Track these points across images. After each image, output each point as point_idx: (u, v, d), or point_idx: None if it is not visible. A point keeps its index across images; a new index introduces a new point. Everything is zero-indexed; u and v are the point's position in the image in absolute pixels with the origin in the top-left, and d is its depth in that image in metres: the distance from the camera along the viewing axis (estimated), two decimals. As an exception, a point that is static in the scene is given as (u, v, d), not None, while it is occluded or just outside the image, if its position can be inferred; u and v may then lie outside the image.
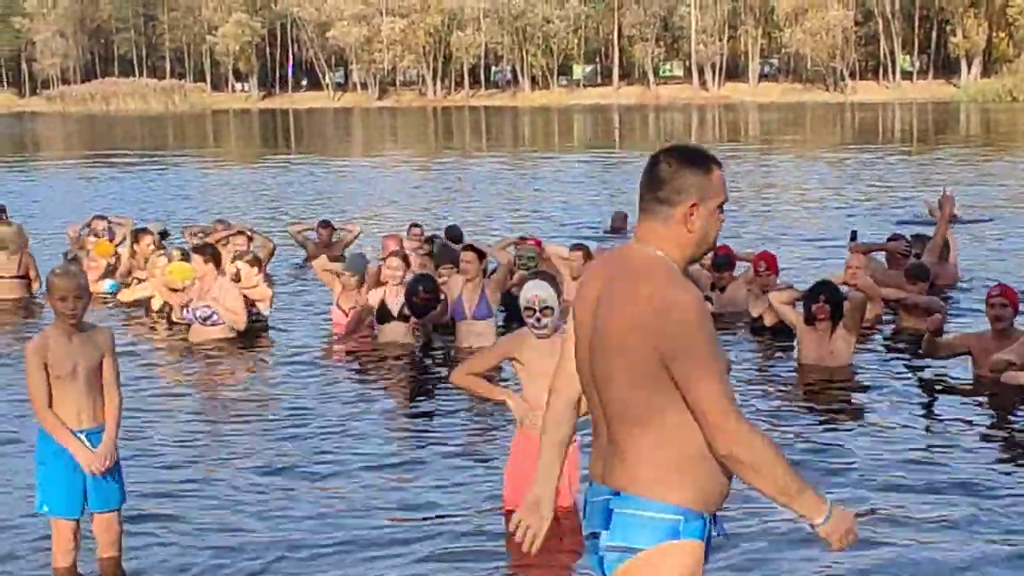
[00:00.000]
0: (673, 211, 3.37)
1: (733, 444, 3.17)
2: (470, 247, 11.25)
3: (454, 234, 14.59)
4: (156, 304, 12.81)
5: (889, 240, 13.78)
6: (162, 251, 13.56)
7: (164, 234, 16.08)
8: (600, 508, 3.37)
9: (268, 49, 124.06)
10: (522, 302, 6.34)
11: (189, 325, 11.88)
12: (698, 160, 3.41)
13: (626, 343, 3.26)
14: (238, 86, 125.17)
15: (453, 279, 11.12)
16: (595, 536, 3.41)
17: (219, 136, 66.33)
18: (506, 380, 8.53)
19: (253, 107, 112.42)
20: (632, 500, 3.30)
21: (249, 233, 14.19)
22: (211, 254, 11.55)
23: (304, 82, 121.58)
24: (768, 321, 11.29)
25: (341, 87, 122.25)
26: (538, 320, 6.34)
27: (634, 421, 3.28)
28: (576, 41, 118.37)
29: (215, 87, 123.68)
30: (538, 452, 5.97)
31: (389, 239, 12.72)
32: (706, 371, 3.20)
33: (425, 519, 6.80)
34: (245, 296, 11.65)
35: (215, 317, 11.34)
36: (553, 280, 6.68)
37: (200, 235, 16.20)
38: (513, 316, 11.62)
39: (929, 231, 14.15)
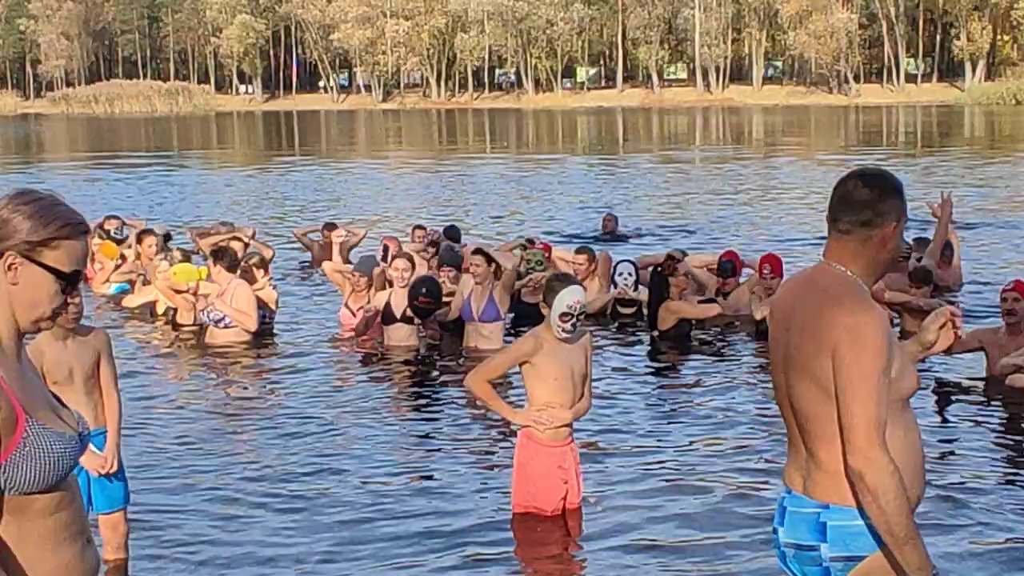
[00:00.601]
0: (873, 233, 3.48)
1: (866, 467, 3.27)
2: (479, 250, 11.26)
3: (452, 234, 14.59)
4: (161, 308, 12.81)
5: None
6: (164, 254, 13.55)
7: (167, 237, 16.09)
8: (810, 521, 3.48)
9: (272, 51, 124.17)
10: (562, 307, 6.33)
11: (197, 327, 11.97)
12: (896, 184, 3.54)
13: (818, 363, 3.38)
14: (242, 88, 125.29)
15: (463, 280, 11.16)
16: (804, 548, 3.51)
17: (223, 138, 66.36)
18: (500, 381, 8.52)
19: (257, 109, 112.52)
20: (845, 512, 3.41)
21: (246, 239, 14.19)
22: (229, 259, 11.57)
23: (323, 84, 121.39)
24: (772, 324, 11.28)
25: (345, 89, 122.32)
26: (573, 325, 6.40)
27: (831, 436, 3.39)
28: (580, 44, 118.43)
29: (219, 89, 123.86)
30: (544, 455, 6.02)
31: (388, 241, 12.70)
32: (864, 390, 3.28)
33: (433, 521, 6.80)
34: (259, 298, 11.67)
35: (227, 319, 11.36)
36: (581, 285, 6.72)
37: (203, 237, 16.28)
38: (521, 319, 11.63)
39: (930, 234, 14.13)
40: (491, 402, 6.62)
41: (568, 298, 6.34)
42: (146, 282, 13.57)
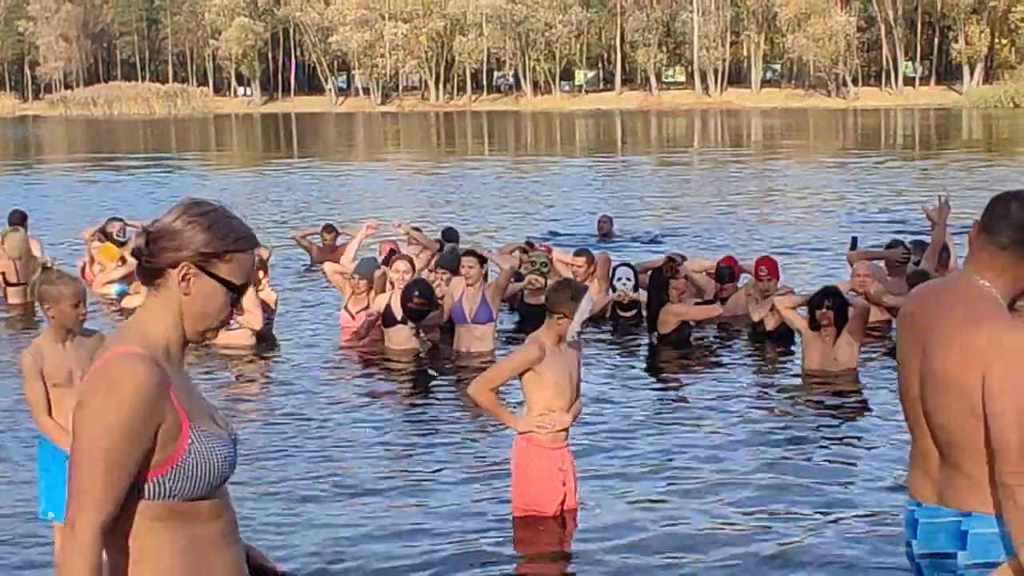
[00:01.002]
0: None
1: (1019, 483, 3.32)
2: (471, 252, 11.29)
3: (451, 236, 14.61)
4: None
5: (888, 247, 13.77)
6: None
7: None
8: (949, 530, 3.53)
9: (271, 54, 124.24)
10: (585, 315, 6.42)
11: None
12: None
13: (964, 379, 3.42)
14: (240, 90, 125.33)
15: (455, 283, 11.17)
16: (940, 556, 3.57)
17: (221, 140, 66.41)
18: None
19: (255, 111, 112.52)
20: (986, 520, 3.46)
21: None
22: None
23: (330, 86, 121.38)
24: (769, 325, 11.32)
25: (344, 92, 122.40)
26: (582, 330, 6.51)
27: (974, 447, 3.43)
28: (579, 46, 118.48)
29: (217, 91, 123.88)
30: (544, 458, 6.06)
31: (385, 246, 12.70)
32: (1017, 407, 3.32)
33: (433, 524, 6.82)
34: (263, 300, 11.69)
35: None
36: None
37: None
38: (528, 321, 11.64)
39: (928, 238, 14.14)
40: (495, 411, 6.66)
41: (587, 305, 6.44)
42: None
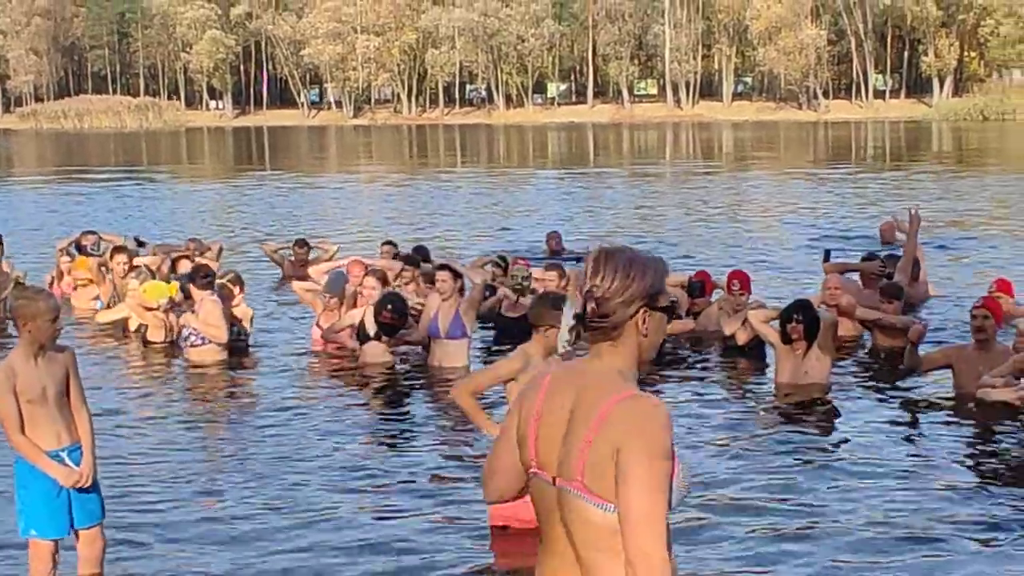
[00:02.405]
0: None
1: None
2: (445, 266, 11.27)
3: (421, 255, 14.45)
4: (133, 324, 12.77)
5: (864, 260, 13.83)
6: (135, 272, 13.50)
7: (140, 243, 16.06)
8: None
9: (242, 67, 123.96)
10: (570, 323, 6.33)
11: (167, 344, 12.04)
12: None
13: None
14: (212, 104, 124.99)
15: (430, 298, 11.15)
16: None
17: (193, 153, 66.19)
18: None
19: (227, 125, 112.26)
20: None
21: (196, 256, 14.13)
22: (201, 276, 11.54)
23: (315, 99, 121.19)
24: (741, 339, 11.33)
25: (316, 105, 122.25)
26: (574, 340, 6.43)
27: None
28: (551, 59, 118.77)
29: (189, 105, 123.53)
30: None
31: (354, 265, 12.58)
32: None
33: (409, 535, 6.83)
34: (232, 314, 11.64)
35: (193, 338, 11.32)
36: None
37: (173, 254, 16.21)
38: (506, 335, 11.61)
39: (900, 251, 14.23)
40: (474, 416, 6.66)
41: (571, 312, 6.37)
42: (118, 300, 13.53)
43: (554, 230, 18.72)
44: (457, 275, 11.00)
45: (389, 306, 10.75)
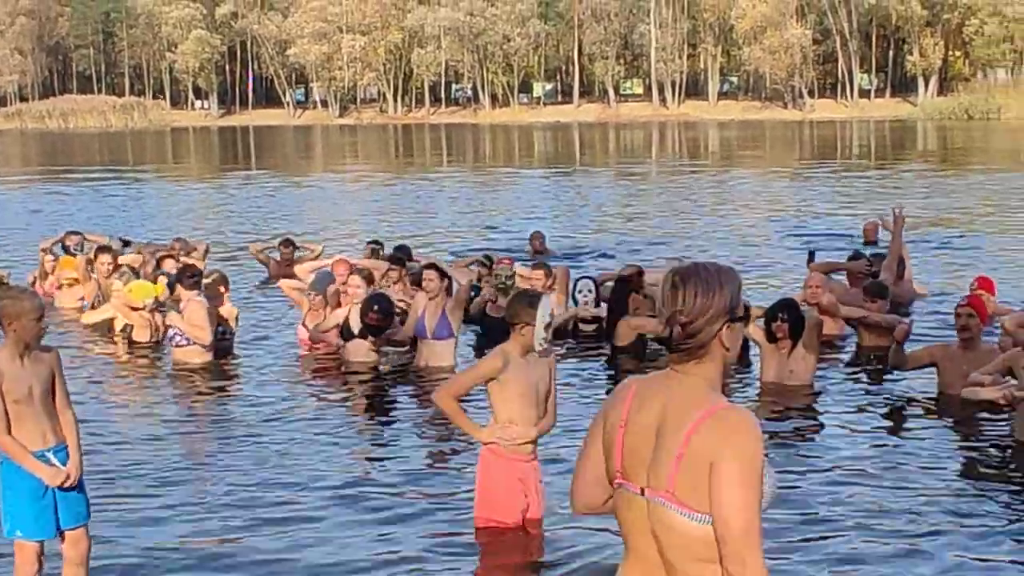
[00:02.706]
0: None
1: None
2: (432, 265, 11.28)
3: (403, 254, 14.42)
4: (119, 324, 12.75)
5: (850, 259, 13.87)
6: (119, 273, 13.48)
7: (126, 243, 16.04)
8: None
9: (228, 66, 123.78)
10: (545, 318, 6.37)
11: (153, 344, 12.09)
12: None
13: None
14: (198, 103, 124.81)
15: (417, 298, 11.16)
16: None
17: (179, 153, 66.10)
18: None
19: (213, 124, 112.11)
20: None
21: (181, 256, 14.13)
22: (192, 277, 11.55)
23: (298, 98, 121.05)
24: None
25: (301, 105, 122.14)
26: (550, 336, 6.46)
27: None
28: (536, 59, 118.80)
29: (174, 104, 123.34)
30: (506, 469, 6.03)
31: (339, 264, 12.56)
32: None
33: (395, 536, 6.83)
34: (218, 314, 11.64)
35: (178, 338, 11.32)
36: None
37: (155, 254, 16.18)
38: (489, 334, 11.62)
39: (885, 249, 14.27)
40: (457, 419, 6.62)
41: (547, 310, 6.40)
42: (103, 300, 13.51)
43: (537, 230, 18.70)
44: (444, 275, 11.00)
45: (376, 307, 10.76)
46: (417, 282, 11.70)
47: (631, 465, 3.06)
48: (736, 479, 2.89)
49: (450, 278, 11.23)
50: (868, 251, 15.01)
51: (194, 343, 11.27)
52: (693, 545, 2.95)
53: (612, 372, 11.12)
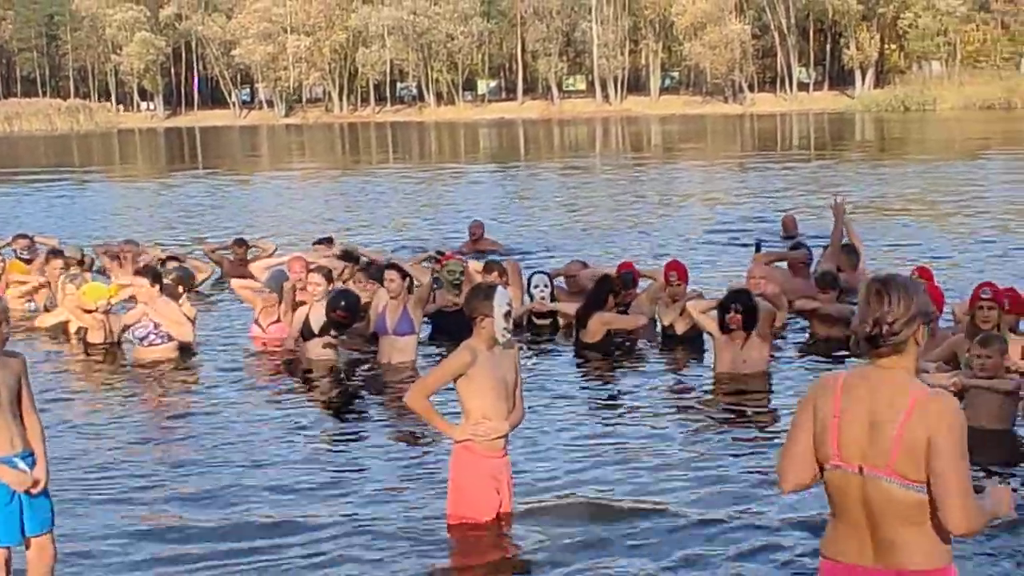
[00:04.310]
0: None
1: None
2: (394, 265, 11.37)
3: (347, 256, 14.51)
4: (73, 327, 12.76)
5: (791, 249, 14.13)
6: (72, 275, 13.47)
7: (81, 262, 16.02)
8: None
9: (173, 68, 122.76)
10: (503, 307, 6.40)
11: (108, 346, 12.01)
12: None
13: None
14: (143, 105, 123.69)
15: (378, 295, 11.25)
16: None
17: (125, 155, 65.33)
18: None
19: (159, 126, 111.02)
20: None
21: (182, 257, 14.22)
22: (152, 275, 11.63)
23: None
24: (679, 329, 11.51)
25: (247, 105, 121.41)
26: (513, 323, 6.53)
27: None
28: (480, 57, 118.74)
29: (120, 106, 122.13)
30: (480, 466, 6.18)
31: (294, 261, 12.63)
32: None
33: (366, 535, 6.83)
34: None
35: (152, 337, 11.40)
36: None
37: (110, 255, 16.25)
38: (442, 332, 11.77)
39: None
40: (430, 418, 6.59)
41: (503, 299, 6.42)
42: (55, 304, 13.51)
43: (477, 219, 18.56)
44: (405, 274, 11.08)
45: (343, 303, 10.82)
46: (375, 278, 11.87)
47: (847, 449, 3.64)
48: (952, 450, 3.50)
49: (411, 276, 11.33)
50: (790, 243, 15.18)
51: (170, 341, 11.33)
52: (906, 511, 3.58)
53: (577, 366, 11.17)
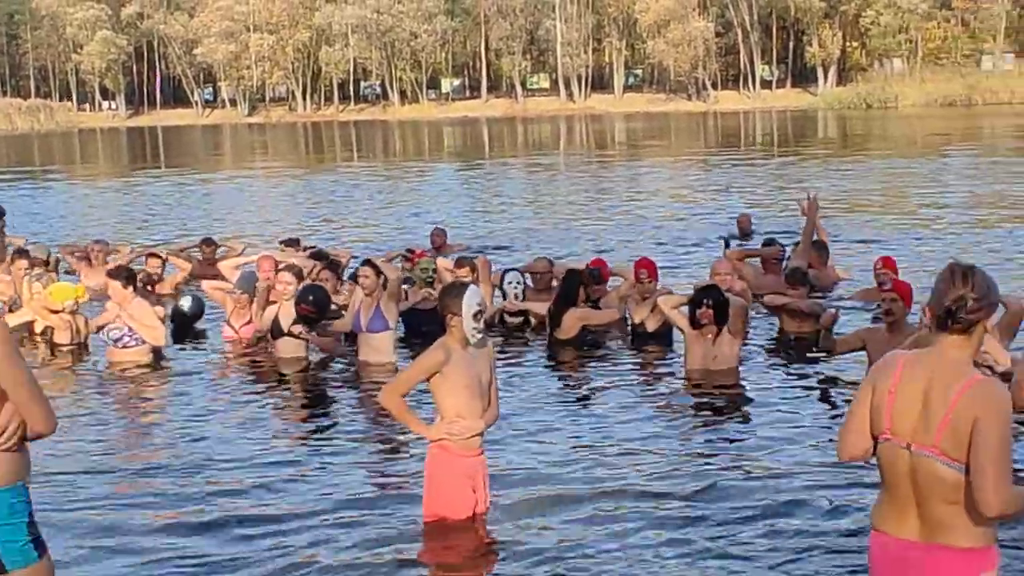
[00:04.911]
0: None
1: None
2: (368, 262, 11.35)
3: (318, 256, 14.45)
4: (39, 327, 12.67)
5: (764, 245, 14.18)
6: (36, 275, 13.37)
7: (47, 262, 15.90)
8: None
9: (135, 67, 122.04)
10: (473, 307, 6.39)
11: (75, 347, 11.97)
12: None
13: None
14: (105, 104, 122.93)
15: (355, 293, 11.24)
16: None
17: (87, 154, 64.95)
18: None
19: (121, 125, 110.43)
20: None
21: (164, 255, 14.12)
22: (126, 276, 11.56)
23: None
24: (650, 327, 11.54)
25: (210, 104, 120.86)
26: (484, 324, 6.51)
27: None
28: (444, 55, 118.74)
29: (81, 106, 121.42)
30: (455, 466, 6.13)
31: (264, 260, 12.56)
32: None
33: (340, 534, 6.83)
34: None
35: (126, 339, 11.33)
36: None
37: (78, 255, 16.16)
38: (415, 330, 11.76)
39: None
40: (404, 417, 6.58)
41: (474, 298, 6.41)
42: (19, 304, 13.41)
43: (438, 226, 18.35)
44: (379, 272, 11.04)
45: (311, 297, 10.85)
46: (353, 278, 11.84)
47: (899, 424, 3.83)
48: (996, 432, 3.67)
49: (384, 274, 11.37)
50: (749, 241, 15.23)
51: (143, 343, 11.26)
52: (950, 489, 3.75)
53: (551, 363, 11.19)
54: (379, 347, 10.93)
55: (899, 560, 3.93)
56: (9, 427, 3.96)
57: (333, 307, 11.47)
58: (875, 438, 3.94)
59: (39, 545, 4.09)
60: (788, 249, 13.89)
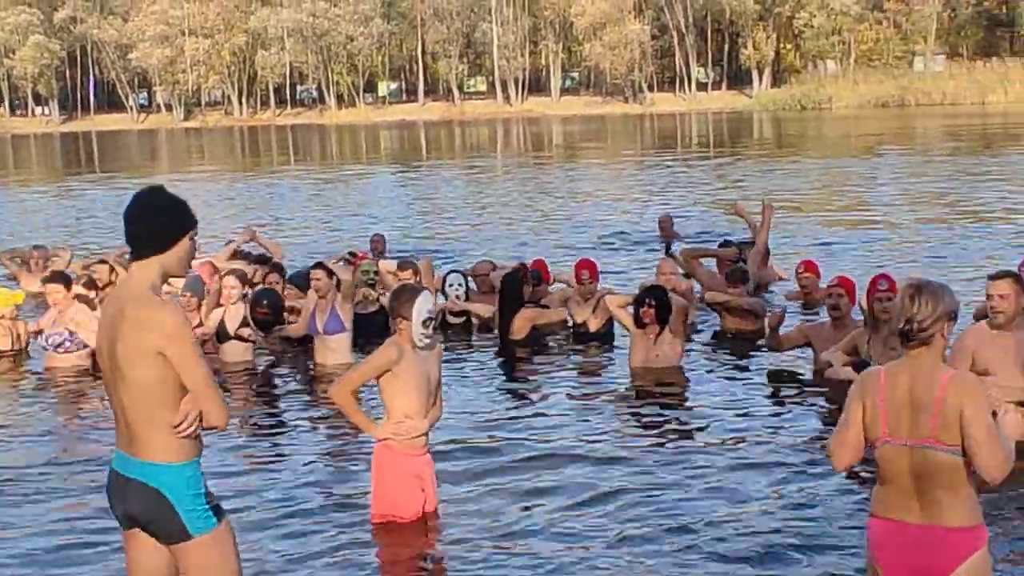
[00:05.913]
0: None
1: None
2: (320, 264, 11.38)
3: (261, 260, 14.39)
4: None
5: (720, 246, 14.36)
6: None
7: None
8: None
9: (68, 72, 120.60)
10: (423, 314, 6.46)
11: (15, 353, 11.90)
12: None
13: None
14: (38, 110, 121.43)
15: (309, 296, 11.26)
16: None
17: (20, 160, 64.13)
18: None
19: (55, 130, 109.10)
20: None
21: (112, 262, 14.02)
22: (64, 281, 11.50)
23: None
24: (592, 327, 11.67)
25: (145, 109, 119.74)
26: (433, 330, 6.59)
27: None
28: (381, 59, 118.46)
29: (14, 111, 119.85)
30: (402, 464, 6.23)
31: (204, 266, 12.42)
32: None
33: (291, 536, 6.85)
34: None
35: (67, 344, 11.26)
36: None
37: (17, 260, 16.03)
38: (359, 332, 11.83)
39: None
40: (352, 415, 6.64)
41: (425, 304, 6.48)
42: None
43: (377, 233, 18.06)
44: (331, 273, 11.09)
45: (264, 301, 10.89)
46: (298, 286, 11.84)
47: (894, 427, 4.33)
48: (981, 412, 4.22)
49: (337, 276, 11.37)
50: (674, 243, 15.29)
51: (84, 347, 11.17)
52: (947, 474, 4.27)
53: (497, 362, 11.28)
54: (337, 348, 10.95)
55: (902, 543, 4.38)
56: (190, 415, 4.42)
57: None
58: (872, 444, 4.43)
59: (218, 511, 4.53)
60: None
